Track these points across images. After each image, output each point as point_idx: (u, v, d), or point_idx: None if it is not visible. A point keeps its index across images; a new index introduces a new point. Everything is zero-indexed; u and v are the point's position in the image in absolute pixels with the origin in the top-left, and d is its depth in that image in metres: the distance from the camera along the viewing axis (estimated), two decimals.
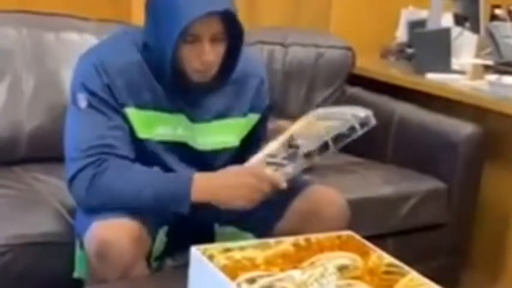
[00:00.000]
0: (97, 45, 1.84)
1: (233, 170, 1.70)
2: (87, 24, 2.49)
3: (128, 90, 1.71)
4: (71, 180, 1.67)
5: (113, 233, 1.57)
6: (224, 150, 1.84)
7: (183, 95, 1.75)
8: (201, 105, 1.79)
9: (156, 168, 1.71)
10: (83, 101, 1.70)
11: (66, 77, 2.36)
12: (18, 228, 1.90)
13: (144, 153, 1.73)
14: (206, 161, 1.81)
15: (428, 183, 2.59)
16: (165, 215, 1.73)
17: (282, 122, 2.04)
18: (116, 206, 1.61)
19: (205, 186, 1.66)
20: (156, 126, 1.74)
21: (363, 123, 1.73)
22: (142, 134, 1.73)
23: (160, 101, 1.74)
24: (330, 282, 1.41)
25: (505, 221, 2.67)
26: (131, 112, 1.72)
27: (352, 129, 1.72)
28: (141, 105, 1.72)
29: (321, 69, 2.99)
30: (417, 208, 2.53)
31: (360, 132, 1.73)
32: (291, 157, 1.72)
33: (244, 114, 1.87)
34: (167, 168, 1.75)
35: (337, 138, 1.72)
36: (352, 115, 1.74)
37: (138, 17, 2.77)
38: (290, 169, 1.71)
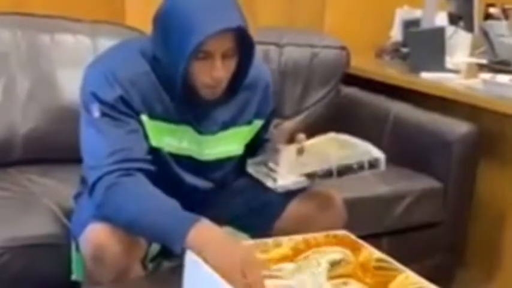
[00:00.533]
0: (104, 55, 1.81)
1: (234, 248, 1.50)
2: (81, 26, 2.49)
3: (140, 100, 1.69)
4: (92, 187, 1.64)
5: (108, 236, 1.57)
6: (228, 159, 1.84)
7: (191, 108, 1.74)
8: (209, 117, 1.78)
9: (171, 201, 1.62)
10: (95, 111, 1.67)
11: (61, 78, 2.38)
12: (14, 230, 1.90)
13: (157, 160, 1.72)
14: (210, 169, 1.81)
15: (423, 182, 2.60)
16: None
17: (287, 123, 2.01)
18: (118, 222, 1.59)
19: (201, 239, 1.50)
20: (165, 137, 1.74)
21: (373, 164, 1.71)
22: (154, 142, 1.72)
23: (169, 112, 1.73)
24: (321, 273, 1.43)
25: (500, 219, 2.67)
26: (145, 120, 1.70)
27: (361, 166, 1.70)
28: (152, 115, 1.71)
29: (316, 69, 2.99)
30: (412, 207, 2.54)
31: (366, 172, 1.71)
32: (292, 170, 1.72)
33: (250, 122, 1.86)
34: (176, 177, 1.75)
35: (343, 169, 1.71)
36: (366, 152, 1.72)
37: (132, 18, 2.80)
38: (289, 182, 1.70)
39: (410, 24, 3.22)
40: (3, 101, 2.34)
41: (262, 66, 1.92)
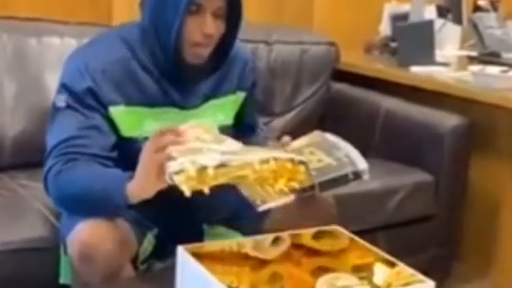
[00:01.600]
0: (83, 45, 1.83)
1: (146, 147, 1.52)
2: (67, 28, 2.48)
3: (114, 89, 1.69)
4: (44, 179, 1.67)
5: (97, 235, 1.55)
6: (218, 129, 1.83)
7: (173, 84, 1.75)
8: (191, 91, 1.79)
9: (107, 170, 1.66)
10: (61, 101, 1.69)
11: (49, 81, 2.36)
12: (5, 235, 1.89)
13: (131, 152, 1.71)
14: None
15: (415, 176, 2.59)
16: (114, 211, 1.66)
17: (277, 122, 1.99)
18: (68, 206, 1.63)
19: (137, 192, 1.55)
20: (144, 123, 1.73)
21: (357, 175, 1.68)
22: (128, 132, 1.72)
23: (150, 96, 1.73)
24: None
25: (494, 211, 2.67)
26: (118, 111, 1.70)
27: (345, 177, 1.67)
28: (130, 102, 1.71)
29: (306, 66, 2.99)
30: (405, 201, 2.53)
31: (350, 182, 1.68)
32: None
33: (233, 92, 1.88)
34: None
35: (326, 185, 1.67)
36: (349, 163, 1.69)
37: (119, 20, 2.78)
38: (272, 204, 1.59)
39: (398, 19, 3.22)
40: None
41: (238, 43, 1.90)
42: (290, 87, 2.97)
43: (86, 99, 1.68)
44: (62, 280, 1.76)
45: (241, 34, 2.85)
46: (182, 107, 1.77)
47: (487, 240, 2.71)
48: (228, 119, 1.88)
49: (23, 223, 1.96)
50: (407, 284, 1.44)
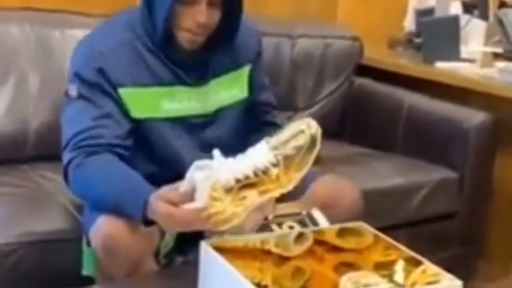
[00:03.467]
0: (90, 32, 1.84)
1: (162, 213, 1.49)
2: (90, 20, 2.45)
3: (122, 71, 1.70)
4: (64, 174, 1.68)
5: (120, 227, 1.56)
6: (233, 105, 1.84)
7: (177, 62, 1.75)
8: (196, 68, 1.78)
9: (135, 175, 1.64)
10: (73, 91, 1.71)
11: None
12: (27, 226, 1.90)
13: (142, 132, 1.73)
14: (215, 123, 1.80)
15: (439, 173, 2.57)
16: None
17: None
18: (88, 201, 1.67)
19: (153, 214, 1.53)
20: (159, 103, 1.74)
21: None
22: (141, 113, 1.72)
23: (158, 76, 1.73)
24: None
25: None
26: (127, 92, 1.70)
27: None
28: (138, 84, 1.72)
29: (329, 60, 2.97)
30: (429, 198, 2.51)
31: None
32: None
33: (241, 65, 1.87)
34: (167, 146, 1.75)
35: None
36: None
37: None
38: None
39: (423, 14, 3.18)
40: (14, 97, 2.33)
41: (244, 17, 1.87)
42: (313, 81, 2.95)
43: (96, 82, 1.68)
44: (85, 272, 1.76)
45: (265, 28, 2.88)
46: (192, 84, 1.77)
47: (511, 239, 2.68)
48: (242, 92, 1.87)
49: (45, 215, 1.96)
50: (433, 282, 1.41)
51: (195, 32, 1.69)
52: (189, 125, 1.78)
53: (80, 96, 1.69)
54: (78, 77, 1.70)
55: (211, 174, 1.44)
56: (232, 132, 1.84)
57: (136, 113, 1.72)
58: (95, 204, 1.64)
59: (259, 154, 1.48)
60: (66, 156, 1.67)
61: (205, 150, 1.71)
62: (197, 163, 1.48)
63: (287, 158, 1.48)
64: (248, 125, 1.90)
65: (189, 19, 1.67)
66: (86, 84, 1.69)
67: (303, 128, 1.51)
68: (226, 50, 1.82)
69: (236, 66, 1.86)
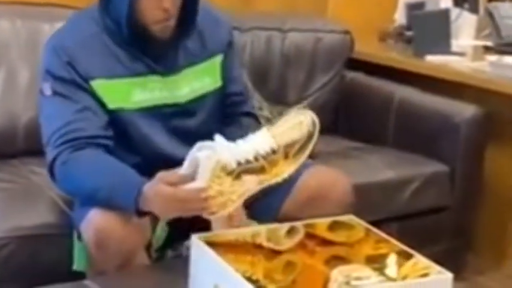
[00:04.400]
0: (56, 30, 1.85)
1: (163, 195, 1.53)
2: None
3: (92, 63, 1.71)
4: (49, 170, 1.69)
5: (111, 220, 1.56)
6: (206, 95, 1.84)
7: (147, 53, 1.75)
8: (167, 57, 1.78)
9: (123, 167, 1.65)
10: (47, 89, 1.72)
11: None
12: (17, 221, 1.89)
13: (118, 124, 1.73)
14: (188, 114, 1.81)
15: (430, 167, 2.57)
16: None
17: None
18: (79, 196, 1.66)
19: (148, 202, 1.55)
20: (130, 94, 1.74)
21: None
22: (114, 104, 1.73)
23: (127, 67, 1.74)
24: None
25: (509, 202, 2.65)
26: (99, 84, 1.71)
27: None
28: (109, 75, 1.72)
29: (320, 54, 2.96)
30: (420, 192, 2.51)
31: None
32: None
33: (212, 54, 1.87)
34: (143, 136, 1.75)
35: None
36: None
37: None
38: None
39: (414, 7, 3.18)
40: (4, 91, 2.32)
41: (205, 5, 1.87)
42: (304, 75, 2.95)
43: (67, 77, 1.69)
44: (76, 266, 1.76)
45: (255, 22, 2.88)
46: (163, 73, 1.78)
47: (501, 232, 2.69)
48: (215, 81, 1.88)
49: (35, 210, 1.96)
50: (424, 275, 1.42)
51: (163, 19, 1.70)
52: (162, 114, 1.78)
53: (55, 93, 1.70)
54: (50, 74, 1.71)
55: (213, 155, 1.47)
56: (207, 121, 1.84)
57: (110, 104, 1.72)
58: (85, 200, 1.64)
59: (261, 140, 1.51)
60: (50, 153, 1.67)
61: (181, 140, 1.72)
62: (199, 144, 1.51)
63: (287, 146, 1.52)
64: (224, 115, 1.90)
65: (155, 10, 1.68)
66: (59, 81, 1.70)
67: (301, 119, 1.53)
68: (194, 37, 1.82)
69: (207, 56, 1.86)
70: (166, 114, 1.78)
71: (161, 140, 1.77)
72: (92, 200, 1.60)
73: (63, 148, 1.65)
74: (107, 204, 1.57)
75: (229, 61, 1.92)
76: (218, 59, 1.89)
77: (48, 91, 1.71)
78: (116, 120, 1.73)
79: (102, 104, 1.71)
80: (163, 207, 1.53)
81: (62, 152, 1.65)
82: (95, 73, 1.71)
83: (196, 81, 1.83)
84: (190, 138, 1.65)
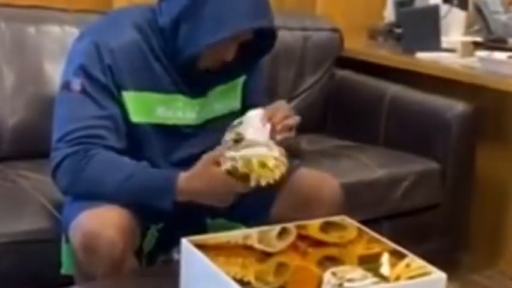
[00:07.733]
0: (92, 27, 1.78)
1: (208, 173, 1.60)
2: (67, 16, 2.44)
3: (128, 72, 1.67)
4: (56, 168, 1.64)
5: (100, 224, 1.53)
6: (226, 115, 1.81)
7: (184, 77, 1.73)
8: (200, 83, 1.77)
9: (143, 163, 1.66)
10: (77, 85, 1.66)
11: (48, 69, 2.33)
12: (5, 226, 1.87)
13: (133, 136, 1.70)
14: (203, 133, 1.78)
15: (421, 164, 2.56)
16: (149, 210, 1.66)
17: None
18: (98, 198, 1.59)
19: (186, 187, 1.60)
20: (153, 109, 1.71)
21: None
22: (137, 117, 1.70)
23: (159, 82, 1.71)
24: None
25: (501, 200, 2.65)
26: (130, 96, 1.68)
27: None
28: (140, 87, 1.69)
29: (309, 52, 2.95)
30: (411, 190, 2.50)
31: None
32: None
33: (234, 77, 1.86)
34: (154, 153, 1.73)
35: None
36: None
37: (120, 6, 2.73)
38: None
39: (403, 4, 3.17)
40: None
41: None
42: (293, 74, 2.93)
43: (103, 81, 1.64)
44: (64, 271, 1.73)
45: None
46: (190, 95, 1.75)
47: (494, 229, 2.69)
48: (236, 102, 1.86)
49: (23, 214, 1.94)
50: (417, 275, 1.40)
51: (218, 66, 1.71)
52: (180, 134, 1.76)
53: (84, 91, 1.65)
54: (84, 71, 1.65)
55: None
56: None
57: (134, 116, 1.69)
58: (107, 196, 1.59)
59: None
60: (60, 153, 1.63)
61: (187, 161, 1.69)
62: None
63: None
64: None
65: (216, 58, 1.68)
66: (93, 81, 1.65)
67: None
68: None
69: (232, 76, 1.84)
70: (183, 134, 1.76)
71: (171, 159, 1.75)
72: (118, 193, 1.59)
73: (78, 148, 1.61)
74: (139, 192, 1.59)
75: (253, 79, 1.91)
76: (241, 80, 1.88)
77: (77, 87, 1.65)
78: (132, 132, 1.70)
79: (125, 115, 1.68)
80: (209, 186, 1.58)
81: (77, 151, 1.61)
82: (128, 83, 1.67)
83: (219, 102, 1.82)
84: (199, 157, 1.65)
